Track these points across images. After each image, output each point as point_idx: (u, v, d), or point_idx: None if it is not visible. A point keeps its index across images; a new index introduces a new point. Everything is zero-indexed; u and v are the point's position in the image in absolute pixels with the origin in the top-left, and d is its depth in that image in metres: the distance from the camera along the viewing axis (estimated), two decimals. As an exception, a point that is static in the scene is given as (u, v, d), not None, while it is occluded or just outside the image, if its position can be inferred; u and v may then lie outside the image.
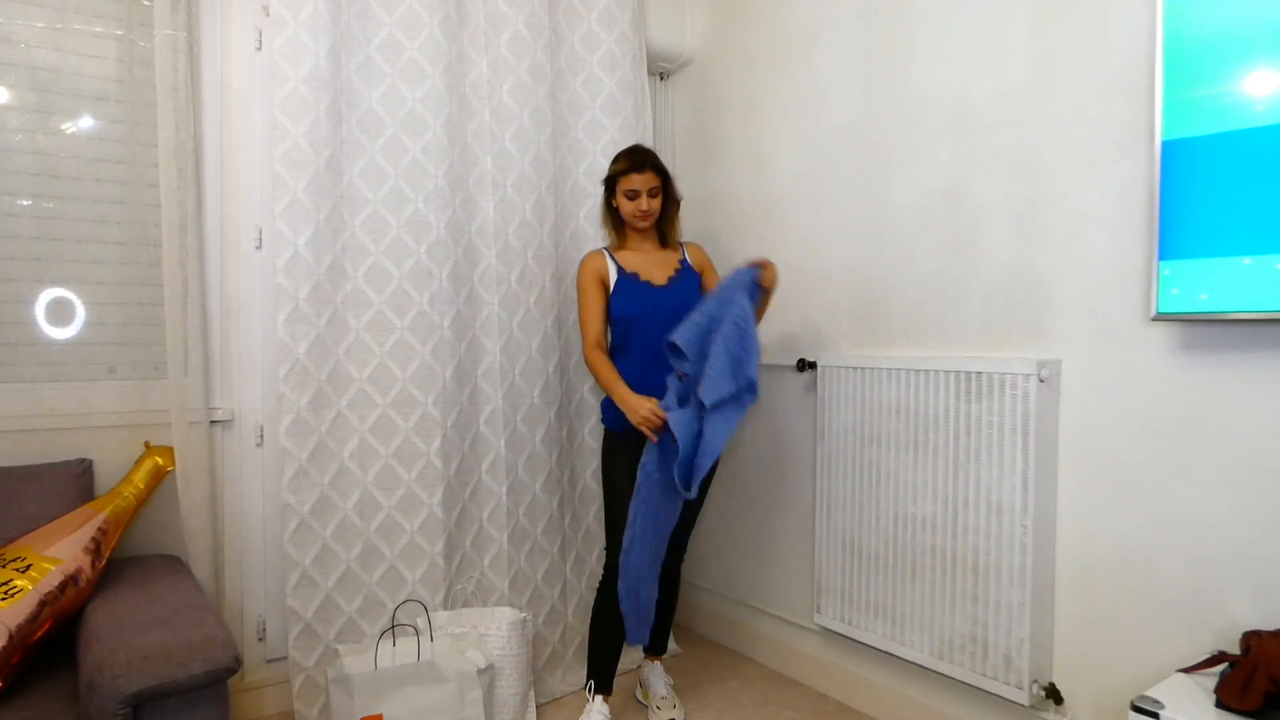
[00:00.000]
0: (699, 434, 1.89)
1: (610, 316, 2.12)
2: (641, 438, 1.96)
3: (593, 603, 2.20)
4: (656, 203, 2.12)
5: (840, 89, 2.28)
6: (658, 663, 2.32)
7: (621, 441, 2.09)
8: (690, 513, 2.20)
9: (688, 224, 2.81)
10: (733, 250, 2.65)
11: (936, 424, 1.92)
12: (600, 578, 2.14)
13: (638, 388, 1.99)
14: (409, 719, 1.93)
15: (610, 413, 2.11)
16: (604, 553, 2.21)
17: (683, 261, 2.20)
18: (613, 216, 2.18)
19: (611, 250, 2.18)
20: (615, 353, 2.12)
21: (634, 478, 2.01)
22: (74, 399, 1.96)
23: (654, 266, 2.15)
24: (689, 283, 2.16)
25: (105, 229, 2.00)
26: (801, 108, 2.41)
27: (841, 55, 2.28)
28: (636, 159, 2.11)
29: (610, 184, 2.16)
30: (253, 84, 2.17)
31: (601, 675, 2.11)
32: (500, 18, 2.32)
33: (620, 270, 2.13)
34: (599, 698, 2.10)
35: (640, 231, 2.18)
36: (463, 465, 2.26)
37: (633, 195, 2.10)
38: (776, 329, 2.50)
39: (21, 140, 1.90)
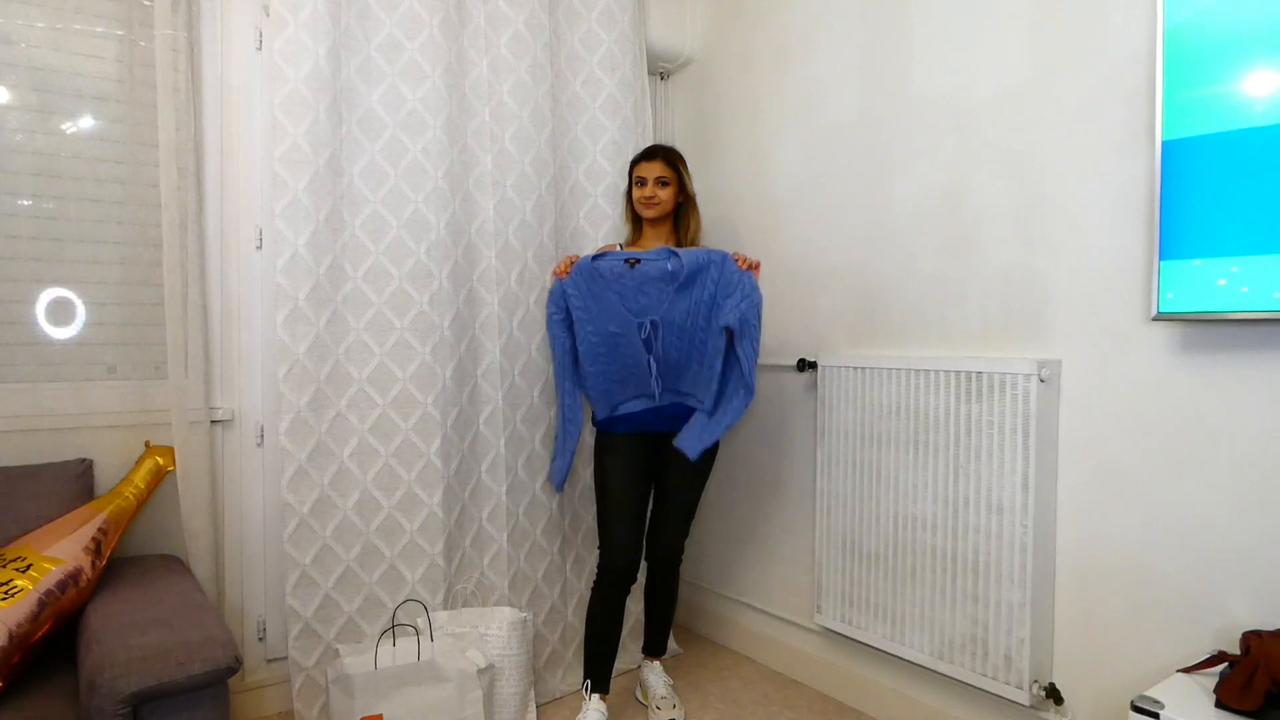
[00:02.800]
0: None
1: None
2: (630, 436, 2.10)
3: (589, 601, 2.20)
4: (665, 193, 2.17)
5: (840, 89, 2.28)
6: (657, 663, 2.32)
7: (610, 440, 2.13)
8: (680, 512, 2.20)
9: (688, 224, 2.82)
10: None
11: (937, 424, 1.92)
12: (595, 577, 2.15)
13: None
14: (409, 719, 1.93)
15: (599, 412, 2.14)
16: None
17: None
18: (631, 209, 2.27)
19: (625, 245, 2.27)
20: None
21: (624, 476, 2.10)
22: (74, 399, 1.96)
23: None
24: None
25: (105, 229, 2.00)
26: (801, 108, 2.41)
27: (841, 55, 2.28)
28: (650, 149, 2.23)
29: (630, 176, 2.25)
30: (253, 84, 2.17)
31: (598, 674, 2.11)
32: (500, 18, 2.32)
33: None
34: (595, 696, 2.10)
35: (654, 225, 2.22)
36: (462, 465, 2.26)
37: (640, 183, 2.18)
38: (776, 329, 2.50)
39: (21, 140, 1.90)
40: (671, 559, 2.24)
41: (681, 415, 2.09)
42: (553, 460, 2.29)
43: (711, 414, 2.00)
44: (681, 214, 2.23)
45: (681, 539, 2.24)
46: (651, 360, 2.03)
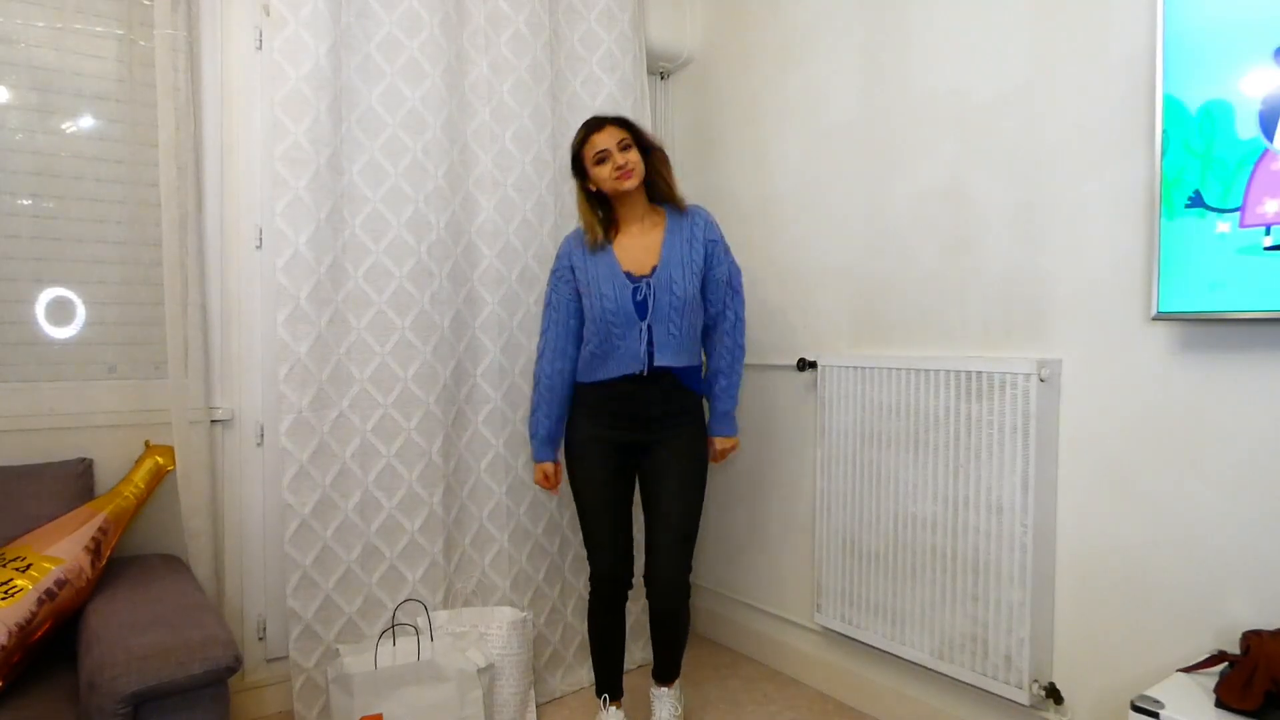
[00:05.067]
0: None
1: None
2: (602, 444, 1.95)
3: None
4: (633, 155, 1.86)
5: (840, 89, 2.28)
6: (665, 690, 2.06)
7: (579, 449, 1.99)
8: (668, 528, 1.91)
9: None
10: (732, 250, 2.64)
11: (937, 424, 1.92)
12: (589, 588, 2.04)
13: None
14: (409, 719, 1.93)
15: (571, 417, 2.03)
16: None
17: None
18: (593, 204, 1.93)
19: (601, 241, 1.92)
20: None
21: (598, 483, 1.95)
22: (74, 398, 1.96)
23: (644, 252, 1.93)
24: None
25: (105, 229, 2.00)
26: (801, 108, 2.41)
27: (841, 55, 2.28)
28: (593, 121, 1.90)
29: (578, 167, 1.92)
30: (253, 83, 2.17)
31: (608, 682, 2.07)
32: (500, 17, 2.32)
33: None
34: (612, 707, 2.06)
35: (628, 202, 1.91)
36: (460, 463, 2.26)
37: (602, 158, 1.86)
38: (777, 329, 2.50)
39: (21, 140, 1.90)
40: (672, 595, 1.91)
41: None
42: None
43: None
44: (651, 171, 1.91)
45: (683, 570, 1.92)
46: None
